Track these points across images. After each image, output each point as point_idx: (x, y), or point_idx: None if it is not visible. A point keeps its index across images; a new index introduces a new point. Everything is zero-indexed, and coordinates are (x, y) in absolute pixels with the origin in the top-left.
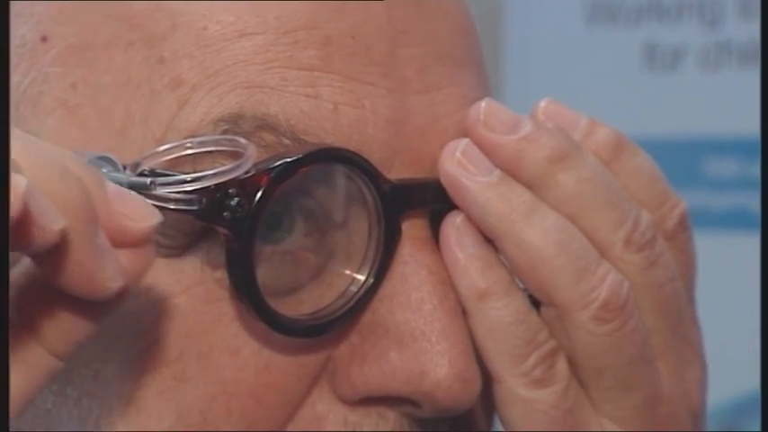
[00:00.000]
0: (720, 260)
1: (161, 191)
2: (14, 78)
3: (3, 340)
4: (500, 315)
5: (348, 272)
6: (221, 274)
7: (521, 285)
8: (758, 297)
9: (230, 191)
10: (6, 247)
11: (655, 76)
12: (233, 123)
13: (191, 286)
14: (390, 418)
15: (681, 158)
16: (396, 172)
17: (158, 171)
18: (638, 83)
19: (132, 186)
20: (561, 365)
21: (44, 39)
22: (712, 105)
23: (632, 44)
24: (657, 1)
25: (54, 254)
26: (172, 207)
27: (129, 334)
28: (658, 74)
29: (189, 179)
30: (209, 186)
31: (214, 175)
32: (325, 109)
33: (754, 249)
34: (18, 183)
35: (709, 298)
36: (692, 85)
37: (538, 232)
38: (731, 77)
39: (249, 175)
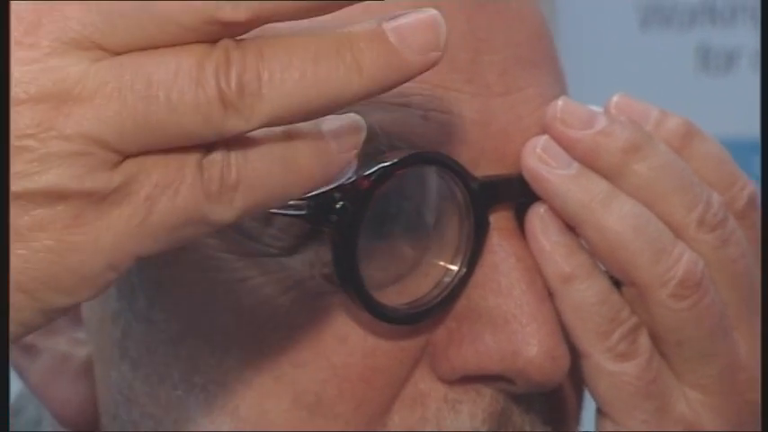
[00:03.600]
0: None
1: None
2: None
3: (3, 340)
4: (584, 296)
5: (442, 263)
6: (329, 270)
7: (602, 268)
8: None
9: (336, 195)
10: (6, 249)
11: (709, 79)
12: None
13: (301, 281)
14: (487, 394)
15: (735, 159)
16: (482, 169)
17: None
18: (692, 85)
19: None
20: (643, 340)
21: None
22: (766, 107)
23: (686, 47)
24: (711, 4)
25: None
26: (283, 212)
27: (248, 326)
28: (712, 76)
29: None
30: (316, 193)
31: None
32: (416, 116)
33: None
34: None
35: None
36: (746, 87)
37: (616, 218)
38: None
39: (352, 180)
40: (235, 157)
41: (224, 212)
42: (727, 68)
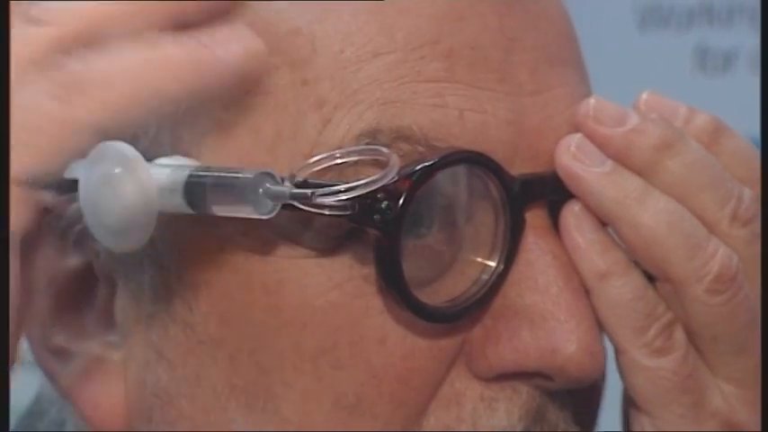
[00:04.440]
0: None
1: (319, 200)
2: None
3: (3, 340)
4: (621, 292)
5: (480, 260)
6: (368, 271)
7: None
8: (758, 297)
9: (378, 195)
10: (7, 245)
11: (706, 79)
12: (372, 137)
13: (341, 283)
14: (523, 391)
15: None
16: (517, 168)
17: (311, 181)
18: (689, 86)
19: (294, 197)
20: (679, 335)
21: None
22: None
23: (684, 48)
24: (708, 5)
25: None
26: (328, 213)
27: (287, 328)
28: (710, 77)
29: (344, 189)
30: (360, 194)
31: (366, 183)
32: (452, 116)
33: None
34: None
35: None
36: (743, 88)
37: (651, 215)
38: None
39: (394, 180)
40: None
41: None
42: (725, 69)
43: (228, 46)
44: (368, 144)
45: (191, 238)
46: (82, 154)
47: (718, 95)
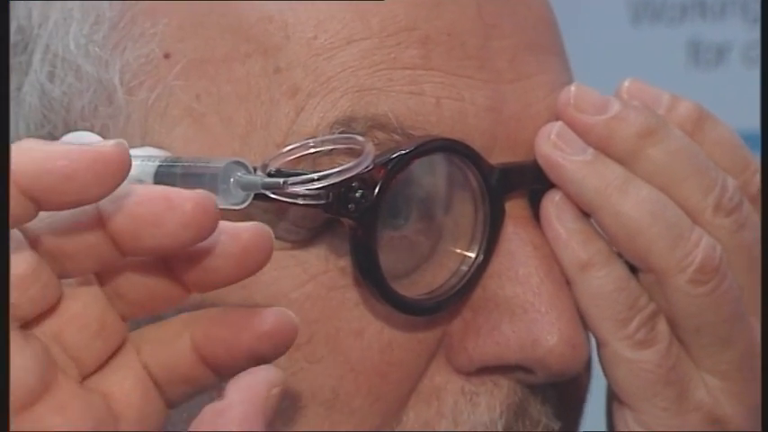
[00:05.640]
0: None
1: (291, 189)
2: (141, 94)
3: (3, 340)
4: (602, 283)
5: (458, 251)
6: (344, 263)
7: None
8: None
9: (353, 184)
10: (6, 244)
11: (699, 73)
12: (347, 125)
13: (316, 275)
14: (504, 385)
15: None
16: (496, 157)
17: (284, 171)
18: (683, 80)
19: (266, 186)
20: (662, 327)
21: (167, 55)
22: (757, 101)
23: (677, 42)
24: None
25: None
26: (301, 203)
27: None
28: (703, 70)
29: (317, 177)
30: (334, 182)
31: (339, 172)
32: (428, 104)
33: None
34: None
35: None
36: (736, 81)
37: (633, 204)
38: None
39: (369, 169)
40: None
41: None
42: (718, 63)
43: None
44: (342, 132)
45: None
46: None
47: (711, 89)
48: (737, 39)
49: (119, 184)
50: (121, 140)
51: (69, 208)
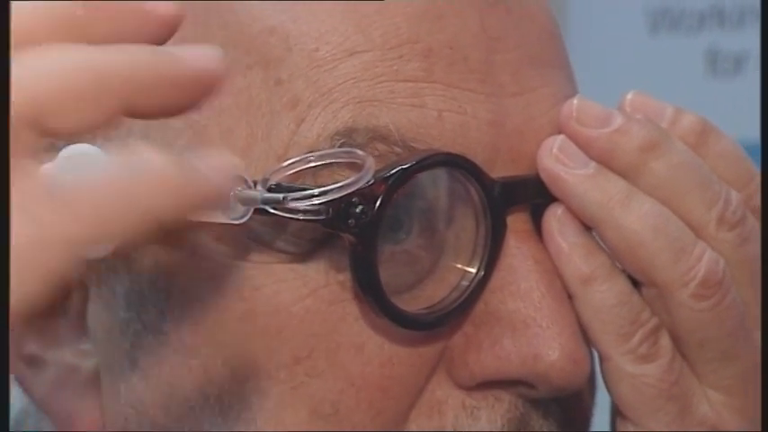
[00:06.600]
0: None
1: (291, 204)
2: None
3: (3, 340)
4: (605, 298)
5: (459, 266)
6: (344, 277)
7: (621, 269)
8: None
9: (353, 200)
10: (7, 247)
11: (717, 82)
12: (347, 137)
13: (316, 289)
14: (505, 400)
15: None
16: (498, 170)
17: (285, 185)
18: (701, 89)
19: (266, 201)
20: (665, 341)
21: None
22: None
23: (695, 51)
24: (719, 8)
25: None
26: (301, 218)
27: (262, 335)
28: (721, 80)
29: (317, 192)
30: (334, 198)
31: (340, 187)
32: (430, 117)
33: None
34: None
35: None
36: (754, 91)
37: (635, 218)
38: None
39: (369, 184)
40: None
41: None
42: (736, 72)
43: (220, 172)
44: (343, 144)
45: (162, 244)
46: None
47: (729, 98)
48: (756, 48)
49: None
50: None
51: None
